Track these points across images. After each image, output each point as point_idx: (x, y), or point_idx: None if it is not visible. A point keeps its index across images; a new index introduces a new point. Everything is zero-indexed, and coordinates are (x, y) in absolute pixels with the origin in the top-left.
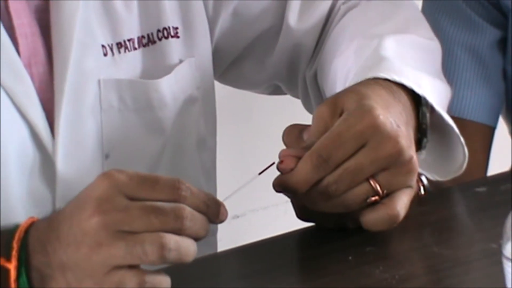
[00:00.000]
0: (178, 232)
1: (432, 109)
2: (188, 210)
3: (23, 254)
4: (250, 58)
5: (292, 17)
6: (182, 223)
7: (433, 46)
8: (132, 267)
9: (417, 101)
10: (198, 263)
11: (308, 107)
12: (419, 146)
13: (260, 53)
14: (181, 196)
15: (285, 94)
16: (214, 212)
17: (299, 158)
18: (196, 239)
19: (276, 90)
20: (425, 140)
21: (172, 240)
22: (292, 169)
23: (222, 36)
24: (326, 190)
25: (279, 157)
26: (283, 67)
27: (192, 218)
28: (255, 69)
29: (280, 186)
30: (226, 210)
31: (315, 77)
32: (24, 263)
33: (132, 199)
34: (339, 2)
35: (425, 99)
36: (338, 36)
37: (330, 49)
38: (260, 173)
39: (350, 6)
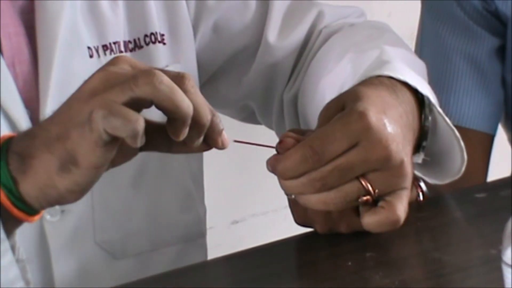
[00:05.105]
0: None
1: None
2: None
3: (4, 146)
4: (227, 75)
5: (272, 35)
6: (185, 83)
7: (421, 63)
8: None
9: (418, 103)
10: (195, 269)
11: (280, 131)
12: (419, 148)
13: (237, 71)
14: (184, 84)
15: (259, 123)
16: (215, 124)
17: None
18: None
19: (249, 117)
20: (424, 142)
21: (164, 76)
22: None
23: (201, 51)
24: (314, 183)
25: (280, 138)
26: (258, 87)
27: (195, 92)
28: (231, 86)
29: (271, 166)
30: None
31: (293, 100)
32: (4, 153)
33: None
34: (320, 26)
35: (428, 99)
36: (324, 57)
37: (315, 70)
38: (261, 145)
39: (333, 31)
